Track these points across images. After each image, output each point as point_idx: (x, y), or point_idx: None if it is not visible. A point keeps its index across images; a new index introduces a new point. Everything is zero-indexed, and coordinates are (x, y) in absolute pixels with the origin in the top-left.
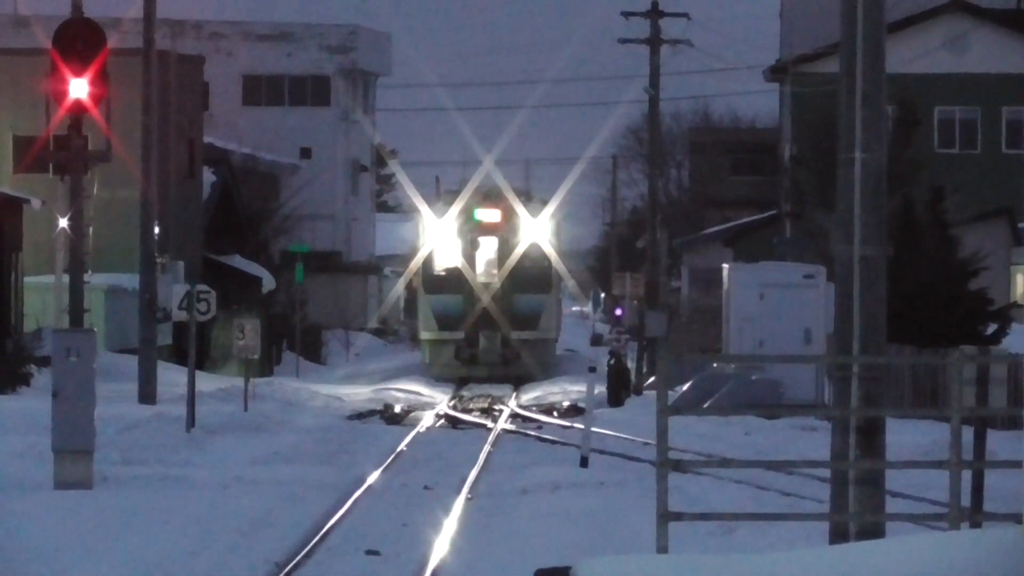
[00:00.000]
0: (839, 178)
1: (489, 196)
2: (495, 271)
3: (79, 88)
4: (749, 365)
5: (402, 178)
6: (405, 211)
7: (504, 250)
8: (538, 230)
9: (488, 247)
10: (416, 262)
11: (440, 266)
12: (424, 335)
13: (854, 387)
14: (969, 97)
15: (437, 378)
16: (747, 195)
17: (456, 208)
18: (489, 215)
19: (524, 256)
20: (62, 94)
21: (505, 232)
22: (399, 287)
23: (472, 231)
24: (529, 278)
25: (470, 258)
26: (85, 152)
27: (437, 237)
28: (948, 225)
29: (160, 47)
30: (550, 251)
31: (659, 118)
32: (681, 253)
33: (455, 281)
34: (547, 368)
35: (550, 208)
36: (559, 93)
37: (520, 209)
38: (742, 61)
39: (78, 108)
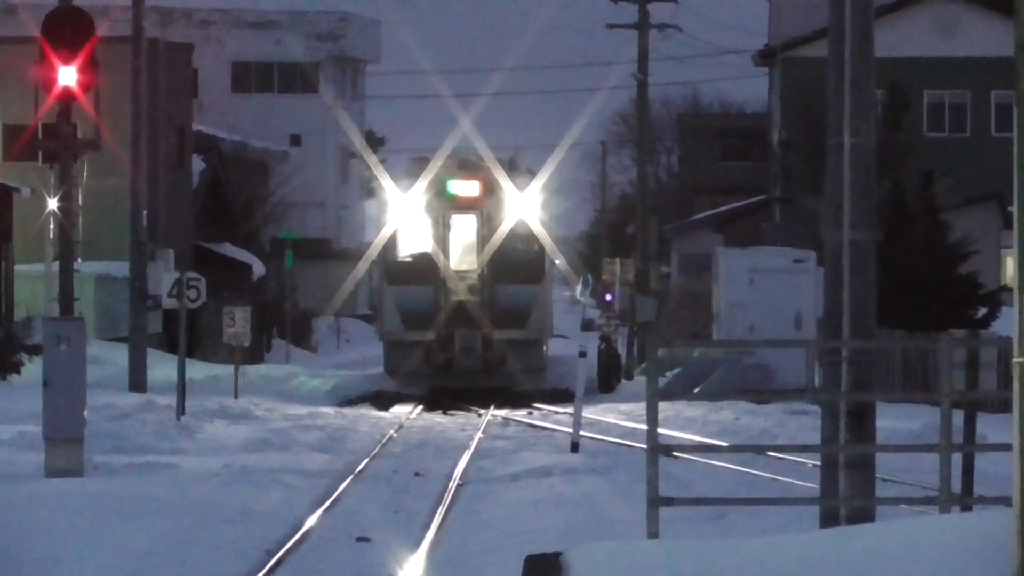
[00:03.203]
0: (828, 163)
1: (465, 165)
2: (473, 257)
3: (68, 76)
4: (739, 350)
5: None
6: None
7: (484, 231)
8: (526, 206)
9: (464, 227)
10: (376, 246)
11: (406, 251)
12: (387, 336)
13: (844, 371)
14: (959, 81)
15: (401, 388)
16: (737, 180)
17: (425, 180)
18: (465, 188)
19: (509, 238)
20: (51, 82)
21: (486, 208)
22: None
23: (445, 208)
24: (516, 265)
25: (442, 241)
26: (74, 140)
27: (402, 216)
28: (938, 209)
29: (149, 35)
30: (541, 231)
31: (648, 104)
32: (671, 239)
33: (424, 270)
34: (537, 375)
35: (540, 180)
36: (548, 79)
37: (504, 180)
38: (731, 46)
39: (67, 96)
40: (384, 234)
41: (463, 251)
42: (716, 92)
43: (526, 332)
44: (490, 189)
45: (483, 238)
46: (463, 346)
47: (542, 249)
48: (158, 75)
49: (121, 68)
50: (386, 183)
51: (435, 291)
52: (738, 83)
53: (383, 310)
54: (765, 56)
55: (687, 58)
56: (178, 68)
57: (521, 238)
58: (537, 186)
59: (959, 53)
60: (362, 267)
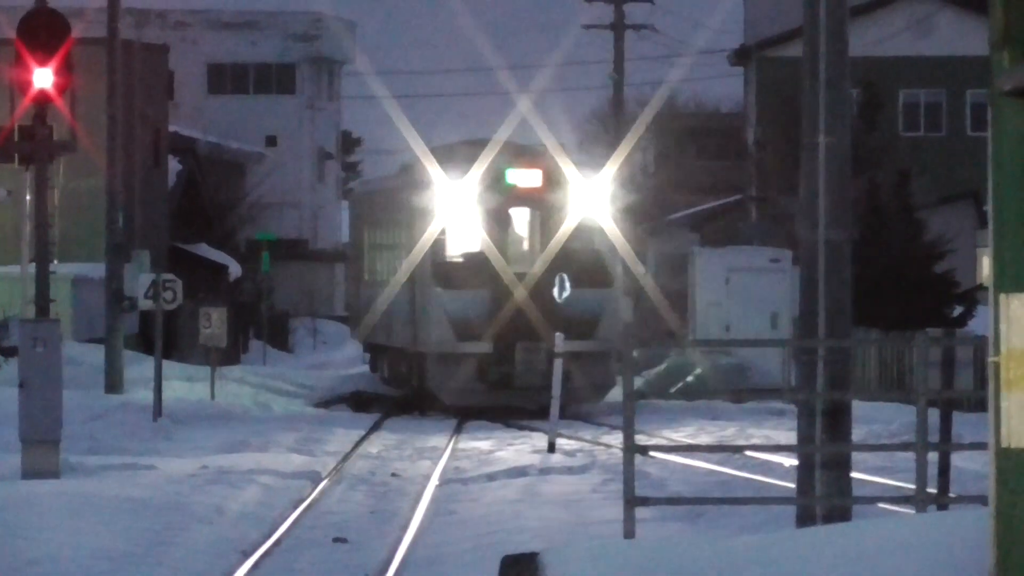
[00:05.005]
0: (803, 162)
1: (525, 152)
2: (535, 256)
3: (43, 78)
4: (715, 350)
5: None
6: None
7: (547, 227)
8: (594, 199)
9: (524, 223)
10: (423, 244)
11: (456, 250)
12: (434, 347)
13: (820, 370)
14: (934, 80)
15: (453, 404)
16: (712, 180)
17: (479, 168)
18: (526, 177)
19: (575, 236)
20: (26, 84)
21: (549, 202)
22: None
23: (502, 200)
24: (583, 267)
25: (499, 238)
26: (50, 142)
27: (451, 208)
28: (914, 208)
29: (124, 36)
30: (612, 229)
31: (624, 104)
32: (647, 238)
33: (477, 271)
34: (602, 394)
35: (610, 169)
36: (524, 79)
37: (569, 169)
38: (706, 46)
39: (43, 98)
40: (431, 231)
41: (523, 250)
42: (692, 92)
43: (596, 344)
44: (553, 179)
45: (546, 235)
46: (524, 360)
47: (613, 248)
48: (133, 76)
49: (96, 70)
50: (433, 171)
51: (491, 296)
52: (714, 83)
53: (429, 317)
54: (740, 56)
55: (662, 58)
56: (153, 69)
57: (588, 236)
58: (608, 176)
59: (934, 52)
60: (339, 268)
